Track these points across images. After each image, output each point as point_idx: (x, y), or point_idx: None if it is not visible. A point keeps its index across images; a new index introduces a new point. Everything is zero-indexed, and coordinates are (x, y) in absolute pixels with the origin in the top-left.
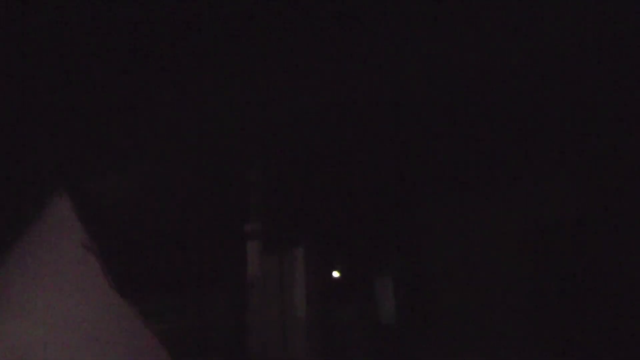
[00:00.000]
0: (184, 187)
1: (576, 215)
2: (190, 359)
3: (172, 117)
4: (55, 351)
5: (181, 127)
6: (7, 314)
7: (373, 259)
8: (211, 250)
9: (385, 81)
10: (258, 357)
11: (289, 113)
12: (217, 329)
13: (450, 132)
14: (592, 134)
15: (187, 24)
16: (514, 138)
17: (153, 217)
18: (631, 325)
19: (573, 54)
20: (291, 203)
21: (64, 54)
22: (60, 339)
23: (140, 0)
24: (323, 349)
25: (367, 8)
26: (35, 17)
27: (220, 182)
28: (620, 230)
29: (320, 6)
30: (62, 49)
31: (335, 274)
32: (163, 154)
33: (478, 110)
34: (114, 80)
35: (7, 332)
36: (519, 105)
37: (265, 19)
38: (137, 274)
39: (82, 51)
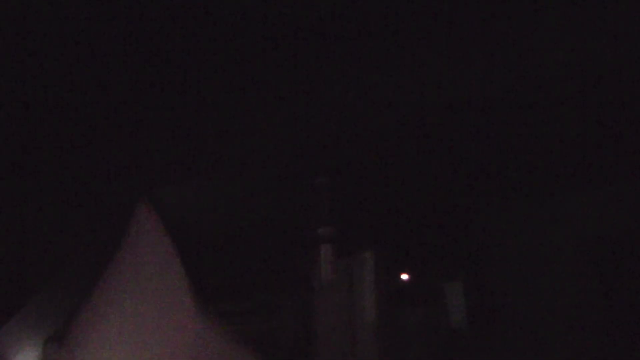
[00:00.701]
0: (256, 193)
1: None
2: None
3: (246, 125)
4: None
5: (254, 134)
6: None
7: (442, 262)
8: (281, 254)
9: (452, 90)
10: None
11: (360, 121)
12: (286, 332)
13: (516, 140)
14: None
15: (271, 39)
16: (577, 146)
17: (227, 221)
18: None
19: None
20: (361, 208)
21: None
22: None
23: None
24: (392, 352)
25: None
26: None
27: (292, 187)
28: None
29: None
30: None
31: (405, 277)
32: (236, 161)
33: (541, 118)
34: (196, 88)
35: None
36: (580, 112)
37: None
38: (209, 277)
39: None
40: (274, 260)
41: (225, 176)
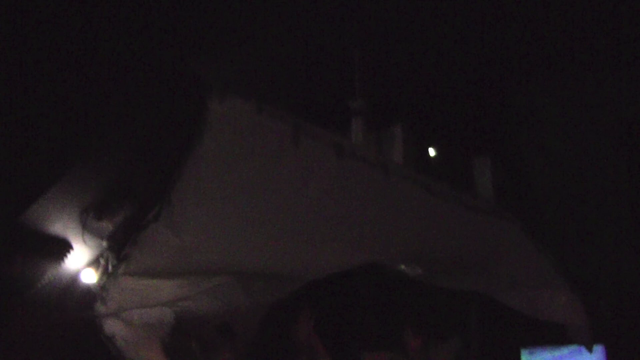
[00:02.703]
0: (290, 65)
1: None
2: None
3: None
4: None
5: (292, 9)
6: None
7: (471, 138)
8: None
9: None
10: None
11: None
12: None
13: (556, 13)
14: None
15: None
16: (621, 23)
17: (260, 92)
18: None
19: None
20: (393, 82)
21: None
22: None
23: None
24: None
25: None
26: None
27: (328, 61)
28: None
29: None
30: None
31: (432, 152)
32: (272, 31)
33: None
34: None
35: None
36: None
37: None
38: None
39: None
40: None
41: (260, 46)
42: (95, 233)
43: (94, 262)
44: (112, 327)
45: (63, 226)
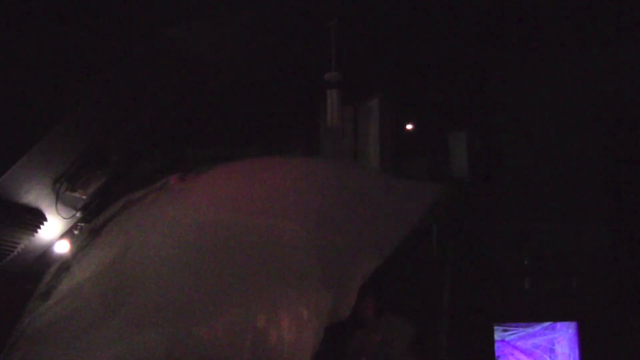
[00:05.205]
0: (265, 35)
1: None
2: None
3: None
4: None
5: None
6: None
7: (447, 113)
8: (288, 99)
9: None
10: None
11: None
12: None
13: None
14: None
15: None
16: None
17: (235, 63)
18: None
19: None
20: (369, 54)
21: None
22: None
23: None
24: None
25: None
26: None
27: (304, 32)
28: None
29: None
30: None
31: (410, 127)
32: (251, 4)
33: None
34: None
35: None
36: None
37: None
38: (217, 122)
39: None
40: (281, 104)
41: (235, 15)
42: (69, 204)
43: (68, 233)
44: None
45: (36, 196)
